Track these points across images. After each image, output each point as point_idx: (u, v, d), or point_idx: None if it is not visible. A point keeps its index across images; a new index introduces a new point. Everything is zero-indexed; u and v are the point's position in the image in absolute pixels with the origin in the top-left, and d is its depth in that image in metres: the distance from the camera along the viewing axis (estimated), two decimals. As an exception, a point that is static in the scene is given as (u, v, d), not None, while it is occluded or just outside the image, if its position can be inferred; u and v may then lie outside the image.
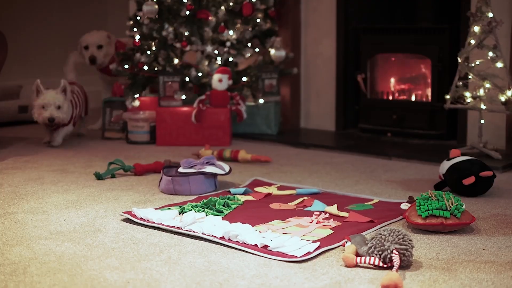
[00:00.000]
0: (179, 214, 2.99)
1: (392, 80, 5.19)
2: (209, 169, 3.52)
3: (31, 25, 6.04)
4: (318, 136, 5.18)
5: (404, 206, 3.17)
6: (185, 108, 4.85)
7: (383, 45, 5.14)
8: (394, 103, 5.12)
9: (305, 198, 3.36)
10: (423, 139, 4.87)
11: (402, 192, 3.52)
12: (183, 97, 4.92)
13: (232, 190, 3.48)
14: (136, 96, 5.01)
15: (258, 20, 5.16)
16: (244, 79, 5.07)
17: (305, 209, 3.17)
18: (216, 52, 5.04)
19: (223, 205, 3.14)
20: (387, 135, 5.04)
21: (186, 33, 4.99)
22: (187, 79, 5.03)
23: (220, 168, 3.56)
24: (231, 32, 5.05)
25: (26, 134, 5.20)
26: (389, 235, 2.41)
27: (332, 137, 5.17)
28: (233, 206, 3.17)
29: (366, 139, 5.01)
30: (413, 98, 5.06)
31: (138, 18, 5.05)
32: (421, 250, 2.60)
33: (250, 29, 5.15)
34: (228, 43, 5.04)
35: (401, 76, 5.19)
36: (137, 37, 5.02)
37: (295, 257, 2.48)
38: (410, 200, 3.19)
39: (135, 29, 5.06)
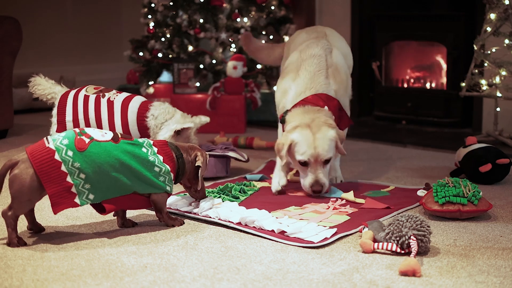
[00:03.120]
0: (196, 200, 2.98)
1: (407, 67, 5.16)
2: (231, 154, 3.50)
3: (45, 12, 6.05)
4: (332, 123, 5.16)
5: (421, 193, 3.15)
6: (200, 95, 4.84)
7: (398, 33, 5.11)
8: (409, 90, 5.10)
9: (321, 184, 3.34)
10: (438, 127, 4.85)
11: (418, 179, 3.51)
12: (197, 84, 4.91)
13: (248, 176, 3.48)
14: (151, 83, 5.01)
15: (272, 8, 5.15)
16: (259, 66, 5.06)
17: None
18: (230, 39, 5.03)
19: (239, 191, 3.14)
20: (402, 123, 5.03)
21: (201, 20, 4.99)
22: (201, 66, 5.03)
23: (240, 155, 3.56)
24: (245, 19, 5.04)
25: (40, 121, 5.21)
26: (407, 221, 2.40)
27: (347, 125, 5.15)
28: (249, 192, 3.17)
29: (381, 126, 5.00)
30: (428, 85, 5.04)
31: (153, 5, 5.05)
32: (438, 236, 2.59)
33: (264, 16, 5.14)
34: (242, 30, 5.03)
35: (416, 64, 5.16)
36: (151, 24, 5.02)
37: (312, 242, 2.48)
38: (427, 187, 3.18)
39: (149, 16, 5.06)
